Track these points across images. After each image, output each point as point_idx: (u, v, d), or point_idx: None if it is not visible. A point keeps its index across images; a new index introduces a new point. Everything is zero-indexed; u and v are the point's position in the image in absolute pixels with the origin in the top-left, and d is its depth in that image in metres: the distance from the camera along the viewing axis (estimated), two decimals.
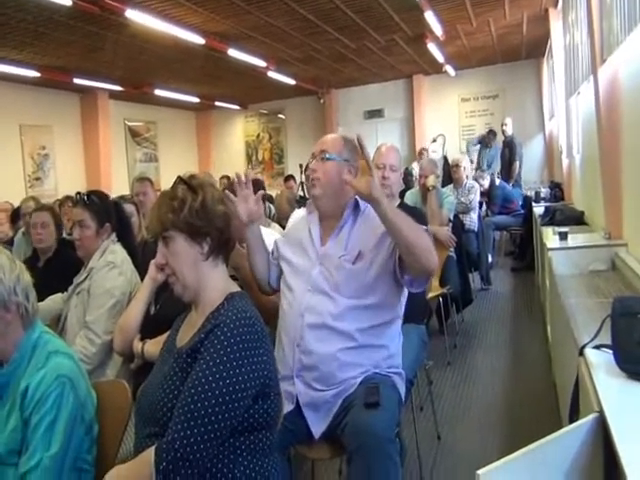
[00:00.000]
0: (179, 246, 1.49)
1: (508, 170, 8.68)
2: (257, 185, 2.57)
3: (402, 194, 4.89)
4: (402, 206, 3.12)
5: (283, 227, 4.42)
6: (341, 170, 2.02)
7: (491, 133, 9.18)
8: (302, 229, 2.15)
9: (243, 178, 2.06)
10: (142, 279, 2.23)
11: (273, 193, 5.77)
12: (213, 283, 1.52)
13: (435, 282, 4.19)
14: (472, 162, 9.07)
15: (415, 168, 8.04)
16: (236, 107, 13.09)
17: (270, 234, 2.59)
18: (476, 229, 6.03)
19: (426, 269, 1.76)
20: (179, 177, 1.55)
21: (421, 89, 11.38)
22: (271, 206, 6.13)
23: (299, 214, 3.23)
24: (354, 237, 1.99)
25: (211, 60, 8.61)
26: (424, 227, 1.85)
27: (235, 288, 1.56)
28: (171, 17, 6.64)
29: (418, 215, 3.12)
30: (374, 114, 11.91)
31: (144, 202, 4.00)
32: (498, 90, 10.89)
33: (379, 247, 1.92)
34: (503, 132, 8.75)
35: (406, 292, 2.02)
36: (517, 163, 8.70)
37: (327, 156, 2.03)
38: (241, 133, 13.57)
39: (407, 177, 7.17)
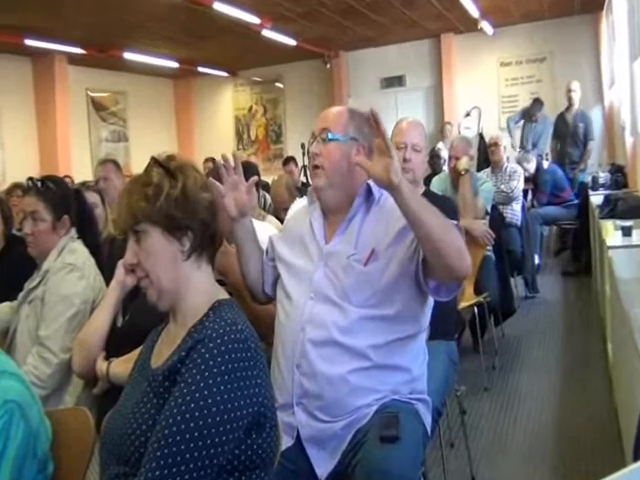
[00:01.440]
0: (154, 242, 1.49)
1: (561, 152, 8.60)
2: (249, 170, 2.56)
3: (427, 180, 4.90)
4: (427, 195, 3.12)
5: (281, 220, 4.44)
6: (348, 152, 2.02)
7: (537, 103, 9.12)
8: (302, 223, 2.16)
9: (231, 161, 2.06)
10: (108, 284, 2.23)
11: (269, 179, 5.77)
12: (196, 288, 1.52)
13: (469, 288, 4.19)
14: (514, 146, 9.08)
15: (443, 148, 8.01)
16: (224, 74, 13.13)
17: (265, 229, 2.59)
18: (519, 223, 6.03)
19: (457, 273, 1.76)
20: (154, 158, 1.55)
21: (451, 51, 11.37)
22: (266, 195, 6.14)
23: (300, 204, 3.23)
24: (366, 232, 2.00)
25: (193, 16, 8.62)
26: (454, 222, 1.85)
27: (223, 295, 1.56)
28: None
29: (447, 206, 3.11)
30: (393, 82, 11.92)
31: (106, 189, 4.02)
32: (546, 52, 10.86)
33: (397, 244, 1.92)
34: (569, 100, 8.45)
35: (432, 301, 2.02)
36: (593, 143, 8.52)
37: (329, 136, 2.04)
38: (230, 106, 13.61)
39: (434, 159, 7.13)
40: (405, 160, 3.09)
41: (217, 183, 1.98)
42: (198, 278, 1.53)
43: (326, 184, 2.03)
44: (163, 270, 1.49)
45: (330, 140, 2.03)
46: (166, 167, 1.53)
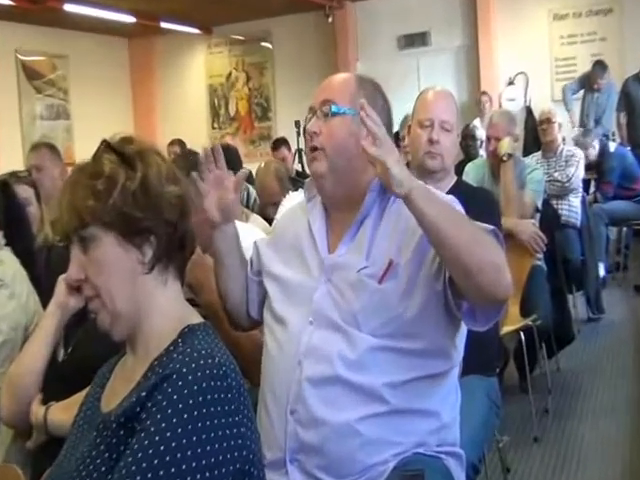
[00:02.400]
0: (106, 251, 1.49)
1: (632, 130, 8.59)
2: (227, 156, 2.54)
3: (460, 167, 4.90)
4: (459, 187, 3.13)
5: (269, 221, 4.43)
6: (356, 130, 2.02)
7: (599, 67, 9.13)
8: (298, 224, 2.16)
9: (213, 153, 2.07)
10: (45, 304, 2.23)
11: (253, 168, 5.74)
12: (160, 310, 1.53)
13: (513, 309, 4.19)
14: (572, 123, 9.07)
15: (480, 127, 8.01)
16: (194, 31, 13.14)
17: (249, 233, 2.59)
18: (579, 223, 6.03)
19: (492, 296, 1.77)
20: (105, 142, 1.56)
21: (490, 2, 11.38)
22: (250, 188, 6.12)
23: (294, 200, 3.23)
24: (381, 238, 2.00)
25: None
26: (489, 226, 1.85)
27: (196, 318, 1.56)
28: None
29: (485, 202, 3.12)
30: (415, 41, 11.91)
31: (42, 181, 4.02)
32: (612, 2, 10.88)
33: (422, 255, 1.93)
34: None
35: (465, 328, 2.03)
36: None
37: (333, 109, 2.05)
38: (202, 73, 13.64)
39: (467, 141, 7.13)
40: (431, 142, 3.10)
41: (200, 182, 2.00)
42: (163, 297, 1.54)
43: (326, 170, 2.03)
44: (118, 287, 1.50)
45: (334, 114, 2.04)
46: (121, 153, 1.53)
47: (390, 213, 2.02)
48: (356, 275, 1.96)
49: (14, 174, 4.25)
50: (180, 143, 9.06)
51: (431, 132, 3.12)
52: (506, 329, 3.96)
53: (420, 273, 1.92)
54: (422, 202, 1.72)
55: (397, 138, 5.21)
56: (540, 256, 4.51)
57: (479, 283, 1.73)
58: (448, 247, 1.73)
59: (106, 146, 1.55)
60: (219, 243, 2.12)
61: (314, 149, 2.06)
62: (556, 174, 6.00)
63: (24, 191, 3.59)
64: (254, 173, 5.27)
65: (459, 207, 1.98)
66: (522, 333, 4.23)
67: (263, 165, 5.13)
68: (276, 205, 4.67)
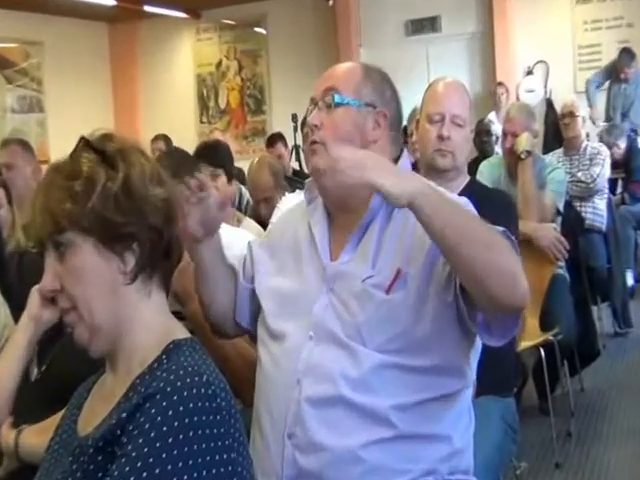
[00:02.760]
0: (84, 259, 1.50)
1: None
2: (217, 153, 2.57)
3: (473, 166, 4.91)
4: (472, 188, 3.13)
5: (262, 222, 4.43)
6: (362, 123, 2.05)
7: (626, 56, 9.13)
8: (297, 228, 2.17)
9: (195, 186, 2.05)
10: (17, 317, 2.23)
11: (245, 166, 5.73)
12: (144, 324, 1.53)
13: (532, 321, 4.19)
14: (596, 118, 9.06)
15: (496, 121, 8.03)
16: (181, 15, 13.13)
17: (241, 239, 2.59)
18: (604, 227, 6.02)
19: (508, 304, 1.77)
20: (83, 139, 1.56)
21: None
22: (242, 188, 6.12)
23: (292, 202, 3.24)
24: (389, 244, 2.00)
25: None
26: (499, 228, 1.85)
27: (182, 333, 1.56)
28: None
29: (500, 204, 3.13)
30: (423, 27, 11.90)
31: (13, 181, 4.02)
32: None
33: (433, 262, 1.93)
34: None
35: (479, 343, 2.03)
36: None
37: (337, 99, 2.06)
38: (189, 61, 13.62)
39: (482, 136, 7.14)
40: (442, 138, 3.11)
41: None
42: (147, 309, 1.54)
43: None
44: (97, 299, 1.50)
45: (337, 105, 2.05)
46: (101, 151, 1.53)
47: (398, 216, 2.01)
48: (361, 285, 1.96)
49: None
50: (165, 139, 9.04)
51: (441, 127, 3.13)
52: (524, 344, 3.97)
53: (431, 282, 1.92)
54: (427, 209, 1.71)
55: (405, 133, 5.22)
56: (562, 264, 4.51)
57: (492, 292, 1.73)
58: (458, 255, 1.73)
59: (85, 144, 1.55)
60: (204, 254, 2.13)
61: (313, 142, 2.06)
62: (579, 174, 6.01)
63: None
64: (246, 171, 5.28)
65: (471, 209, 1.98)
66: (542, 349, 4.23)
67: (257, 159, 5.14)
68: (269, 202, 4.69)
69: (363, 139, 2.03)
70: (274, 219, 3.44)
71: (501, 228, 1.86)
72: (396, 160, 2.13)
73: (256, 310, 2.17)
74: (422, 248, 1.93)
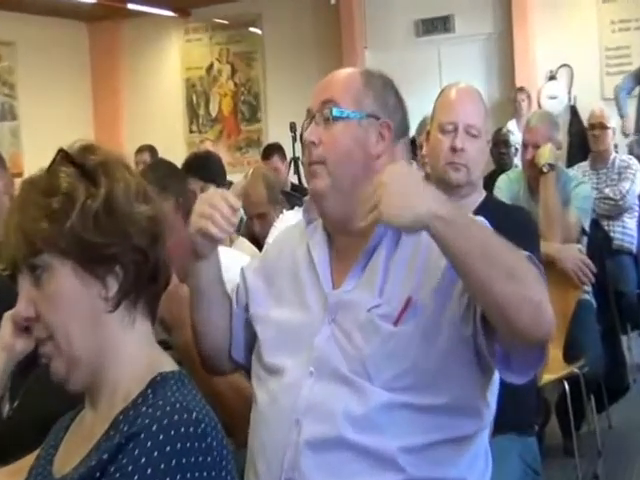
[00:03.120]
0: (62, 284, 1.50)
1: None
2: (207, 165, 2.58)
3: (490, 180, 4.91)
4: (489, 205, 3.13)
5: (255, 241, 4.43)
6: (364, 137, 2.06)
7: None
8: (296, 252, 2.17)
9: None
10: None
11: (239, 179, 5.73)
12: (127, 355, 1.54)
13: (555, 353, 4.18)
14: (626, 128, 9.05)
15: (515, 131, 8.04)
16: (168, 13, 13.13)
17: (234, 260, 2.60)
18: (634, 248, 6.01)
19: (532, 336, 1.77)
20: (62, 151, 1.56)
21: None
22: None
23: (290, 220, 3.24)
24: (397, 270, 2.00)
25: None
26: (526, 253, 1.85)
27: (169, 365, 1.57)
28: None
29: (520, 223, 3.12)
30: (435, 27, 11.90)
31: None
32: None
33: (448, 291, 1.93)
34: None
35: (497, 379, 2.03)
36: None
37: (335, 112, 2.06)
38: (178, 64, 13.63)
39: (500, 148, 7.15)
40: (455, 150, 3.12)
41: None
42: (130, 339, 1.54)
43: (330, 188, 2.04)
44: (76, 328, 1.50)
45: (336, 119, 2.06)
46: (81, 165, 1.54)
47: (407, 239, 2.01)
48: (366, 315, 1.96)
49: None
50: (150, 150, 9.04)
51: (454, 138, 3.13)
52: (547, 378, 3.96)
53: (445, 313, 1.92)
54: (445, 232, 1.71)
55: (414, 146, 5.22)
56: (588, 288, 4.51)
57: (516, 322, 1.73)
58: (479, 282, 1.73)
59: (63, 156, 1.55)
60: (200, 274, 2.11)
61: (313, 163, 2.07)
62: (607, 190, 6.01)
63: None
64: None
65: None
66: (566, 382, 4.22)
67: (251, 171, 5.16)
68: (263, 218, 4.69)
69: (366, 154, 2.03)
70: (270, 239, 3.43)
71: (526, 253, 1.86)
72: None
73: (251, 342, 2.17)
74: (436, 273, 1.93)
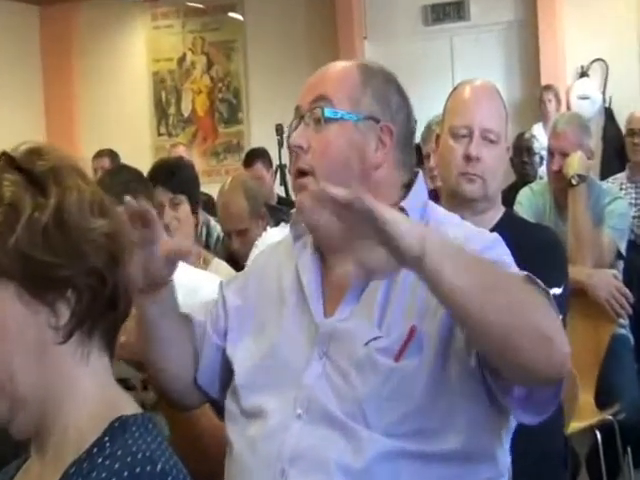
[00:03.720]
0: (4, 310, 1.49)
1: None
2: (178, 174, 2.58)
3: (511, 194, 4.92)
4: (509, 222, 3.13)
5: (234, 262, 4.40)
6: (362, 142, 2.07)
7: None
8: (282, 274, 2.18)
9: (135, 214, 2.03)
10: None
11: (216, 189, 5.69)
12: (80, 395, 1.53)
13: (586, 396, 4.19)
14: None
15: (540, 136, 8.04)
16: None
17: (208, 281, 2.61)
18: None
19: (542, 376, 1.78)
20: (6, 155, 1.56)
21: None
22: (211, 220, 6.11)
23: (275, 237, 3.24)
24: (399, 297, 2.02)
25: None
26: (521, 273, 1.87)
27: (130, 407, 1.56)
28: None
29: (545, 243, 3.13)
30: (446, 14, 11.92)
31: None
32: None
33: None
34: None
35: (513, 423, 2.03)
36: None
37: (328, 113, 2.07)
38: (143, 55, 13.64)
39: (522, 156, 7.17)
40: (469, 159, 3.12)
41: None
42: (85, 376, 1.54)
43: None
44: (21, 362, 1.49)
45: (329, 120, 2.06)
46: (27, 171, 1.53)
47: None
48: (364, 349, 1.96)
49: None
50: (111, 155, 9.04)
51: (469, 145, 3.13)
52: (575, 425, 3.96)
53: (452, 342, 1.93)
54: (436, 263, 1.66)
55: (419, 154, 5.22)
56: (624, 321, 4.51)
57: (521, 363, 1.74)
58: (476, 325, 1.73)
59: (7, 161, 1.55)
60: (145, 312, 2.12)
61: (300, 173, 2.07)
62: None
63: None
64: (216, 198, 5.25)
65: (497, 250, 2.00)
66: (598, 431, 4.22)
67: (230, 180, 5.14)
68: (244, 235, 4.69)
69: (363, 163, 2.05)
70: (254, 254, 3.43)
71: (523, 273, 1.87)
72: (407, 186, 2.15)
73: (225, 374, 2.18)
74: None
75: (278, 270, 2.20)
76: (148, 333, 2.16)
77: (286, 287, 2.14)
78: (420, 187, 2.18)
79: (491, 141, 3.16)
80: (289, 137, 2.14)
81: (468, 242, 1.97)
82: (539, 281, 1.87)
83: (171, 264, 2.06)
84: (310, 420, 1.96)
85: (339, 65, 2.18)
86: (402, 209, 2.04)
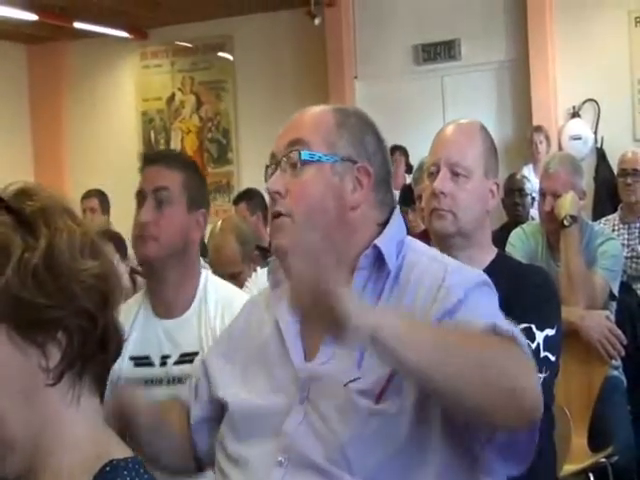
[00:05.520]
0: None
1: None
2: None
3: (502, 235, 4.93)
4: (500, 264, 3.12)
5: None
6: (339, 183, 2.08)
7: None
8: (262, 325, 2.20)
9: None
10: None
11: (205, 232, 5.69)
12: (70, 438, 1.53)
13: (579, 440, 4.18)
14: None
15: (531, 177, 8.07)
16: (122, 34, 13.13)
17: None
18: None
19: (511, 426, 1.81)
20: None
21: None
22: (201, 261, 6.13)
23: (263, 280, 3.24)
24: None
25: None
26: (487, 322, 1.88)
27: (121, 451, 1.56)
28: None
29: (537, 285, 3.12)
30: (438, 54, 11.89)
31: None
32: None
33: None
34: None
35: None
36: None
37: (304, 156, 2.08)
38: (132, 94, 13.64)
39: (514, 197, 7.18)
40: (434, 196, 3.10)
41: None
42: (75, 419, 1.53)
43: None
44: (10, 405, 1.49)
45: (305, 163, 2.08)
46: (17, 212, 1.54)
47: (389, 299, 2.04)
48: (344, 391, 1.97)
49: None
50: (100, 196, 9.04)
51: (433, 181, 3.12)
52: (568, 469, 3.95)
53: None
54: (393, 342, 1.72)
55: (411, 193, 5.23)
56: (617, 363, 4.51)
57: (494, 420, 1.79)
58: (441, 396, 1.79)
59: None
60: (140, 429, 2.15)
61: (277, 215, 2.08)
62: None
63: None
64: (206, 240, 5.25)
65: (486, 290, 2.02)
66: (592, 475, 4.21)
67: (220, 223, 5.14)
68: (236, 278, 4.67)
69: (340, 205, 2.05)
70: (245, 299, 3.45)
71: (490, 322, 1.89)
72: (384, 224, 2.15)
73: (215, 437, 2.20)
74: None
75: (259, 321, 2.22)
76: (140, 443, 2.15)
77: (267, 337, 2.15)
78: (397, 223, 2.18)
79: (460, 175, 3.10)
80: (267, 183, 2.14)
81: (450, 279, 2.00)
82: (504, 326, 1.89)
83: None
84: (292, 468, 1.96)
85: (313, 110, 2.20)
86: (375, 247, 2.06)
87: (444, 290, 1.99)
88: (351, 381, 1.96)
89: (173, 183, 3.22)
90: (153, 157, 3.20)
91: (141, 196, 3.23)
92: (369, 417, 1.93)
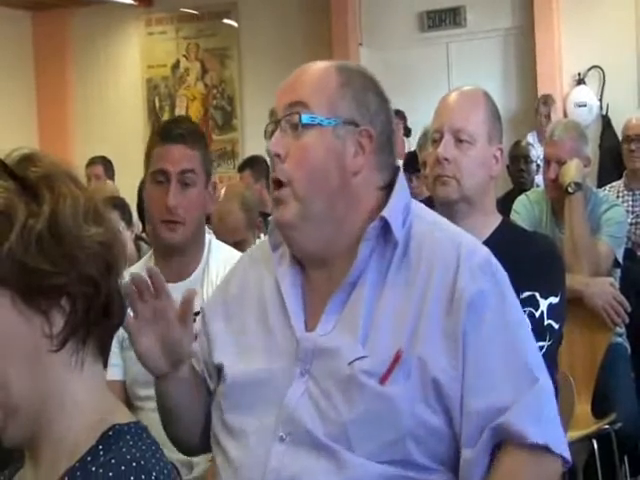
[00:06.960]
0: None
1: None
2: None
3: (507, 202, 4.92)
4: (505, 231, 3.10)
5: None
6: (340, 148, 2.05)
7: None
8: (262, 286, 2.16)
9: (149, 282, 2.04)
10: None
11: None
12: (73, 403, 1.53)
13: (582, 406, 4.18)
14: None
15: (536, 143, 8.04)
16: (127, 1, 13.09)
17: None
18: None
19: None
20: None
21: None
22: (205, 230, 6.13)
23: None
24: (385, 314, 2.00)
25: None
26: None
27: (124, 416, 1.56)
28: None
29: (542, 252, 3.10)
30: (442, 20, 11.86)
31: None
32: None
33: (445, 337, 1.93)
34: None
35: None
36: None
37: (305, 119, 2.05)
38: (137, 61, 13.60)
39: (519, 164, 7.15)
40: (438, 162, 3.10)
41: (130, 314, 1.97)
42: (79, 384, 1.54)
43: (298, 217, 2.02)
44: (14, 371, 1.49)
45: (306, 126, 2.04)
46: (21, 178, 1.53)
47: (397, 275, 2.00)
48: (348, 369, 1.94)
49: None
50: (104, 163, 9.01)
51: (436, 147, 3.11)
52: (572, 435, 3.94)
53: (444, 362, 1.92)
54: None
55: (415, 162, 5.21)
56: (621, 330, 4.50)
57: None
58: None
59: (0, 168, 1.55)
60: (166, 392, 2.13)
61: (278, 184, 2.04)
62: None
63: None
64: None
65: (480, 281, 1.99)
66: (595, 441, 4.22)
67: (224, 190, 5.11)
68: (240, 247, 4.65)
69: (342, 170, 2.02)
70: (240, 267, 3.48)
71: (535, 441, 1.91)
72: (388, 187, 2.11)
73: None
74: (433, 322, 1.93)
75: (258, 281, 2.18)
76: (166, 413, 2.18)
77: (267, 299, 2.12)
78: (401, 188, 2.13)
79: (464, 141, 3.09)
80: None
81: (464, 276, 1.96)
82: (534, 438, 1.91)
83: (187, 326, 2.06)
84: (293, 443, 1.95)
85: (316, 67, 2.15)
86: (382, 218, 2.02)
87: (457, 294, 1.93)
88: (355, 359, 1.94)
89: (197, 164, 3.24)
90: (175, 135, 3.22)
91: (163, 176, 3.20)
92: (373, 399, 1.91)
